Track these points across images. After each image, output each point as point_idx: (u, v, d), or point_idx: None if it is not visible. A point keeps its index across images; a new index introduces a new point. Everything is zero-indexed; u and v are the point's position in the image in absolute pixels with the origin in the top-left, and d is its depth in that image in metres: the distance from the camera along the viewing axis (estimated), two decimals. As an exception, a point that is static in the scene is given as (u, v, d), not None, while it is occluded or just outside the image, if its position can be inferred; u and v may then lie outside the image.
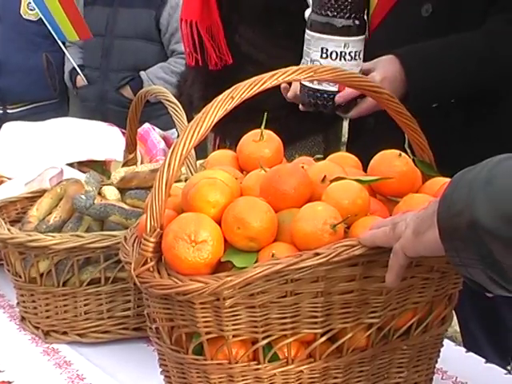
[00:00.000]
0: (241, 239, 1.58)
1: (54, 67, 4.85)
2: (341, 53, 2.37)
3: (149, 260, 1.55)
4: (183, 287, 1.51)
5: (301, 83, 2.50)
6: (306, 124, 3.02)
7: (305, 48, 2.44)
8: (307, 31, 2.43)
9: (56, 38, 4.62)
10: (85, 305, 2.05)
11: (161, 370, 1.73)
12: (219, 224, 1.60)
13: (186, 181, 1.81)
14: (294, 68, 1.64)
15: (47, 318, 2.08)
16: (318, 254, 1.53)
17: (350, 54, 2.38)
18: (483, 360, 2.05)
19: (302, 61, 2.52)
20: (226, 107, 1.54)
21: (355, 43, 2.41)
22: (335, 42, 2.38)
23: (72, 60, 4.63)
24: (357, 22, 2.39)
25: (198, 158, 1.97)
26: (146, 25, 4.53)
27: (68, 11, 4.58)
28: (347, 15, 2.37)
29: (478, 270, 1.28)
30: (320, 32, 2.40)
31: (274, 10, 3.04)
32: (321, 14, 2.39)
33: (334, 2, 2.35)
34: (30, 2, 4.78)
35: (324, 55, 2.38)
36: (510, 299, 1.47)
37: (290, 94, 2.59)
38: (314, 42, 2.41)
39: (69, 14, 4.61)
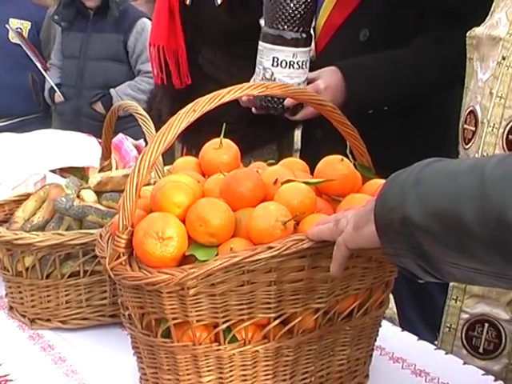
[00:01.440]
0: (203, 235, 1.57)
1: (39, 85, 4.86)
2: (290, 62, 2.38)
3: (121, 255, 1.54)
4: (152, 278, 1.51)
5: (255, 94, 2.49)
6: (262, 134, 3.03)
7: (258, 58, 2.44)
8: (260, 42, 2.44)
9: (34, 60, 4.65)
10: (66, 295, 2.03)
11: (133, 351, 1.71)
12: (183, 222, 1.58)
13: (154, 184, 1.80)
14: (249, 84, 1.65)
15: (32, 307, 2.06)
16: (270, 248, 1.52)
17: (297, 63, 2.39)
18: (416, 337, 2.07)
19: (256, 69, 2.52)
20: (189, 119, 1.54)
21: (303, 54, 2.42)
22: (285, 53, 2.39)
23: (50, 80, 4.66)
24: (304, 35, 2.41)
25: (166, 164, 1.96)
26: (115, 48, 4.56)
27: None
28: (296, 29, 2.39)
29: (409, 260, 1.29)
30: (272, 43, 2.41)
31: (232, 35, 3.03)
32: (273, 27, 2.40)
33: (284, 17, 2.36)
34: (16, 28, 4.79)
35: (275, 64, 2.39)
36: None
37: (244, 98, 2.57)
38: (267, 52, 2.42)
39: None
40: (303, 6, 2.36)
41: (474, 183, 1.15)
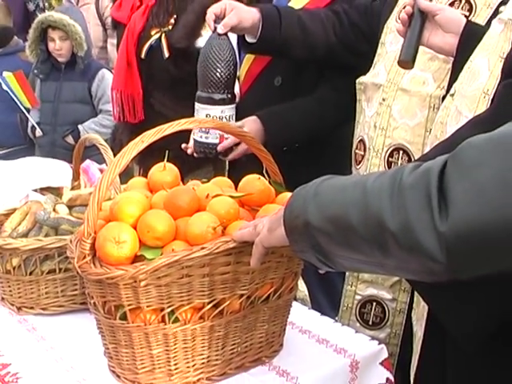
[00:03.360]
0: (150, 239, 1.56)
1: (25, 123, 4.82)
2: (219, 116, 2.37)
3: (86, 256, 1.53)
4: (111, 274, 1.50)
5: (194, 139, 2.49)
6: (200, 159, 3.02)
7: (195, 114, 2.43)
8: (195, 103, 2.42)
9: (19, 105, 4.62)
10: (45, 288, 2.00)
11: (98, 331, 1.70)
12: (135, 229, 1.57)
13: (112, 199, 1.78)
14: (185, 120, 1.64)
15: (19, 297, 2.02)
16: (203, 248, 1.52)
17: (225, 117, 2.38)
18: (319, 314, 2.05)
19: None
20: (138, 148, 1.54)
21: (229, 110, 2.41)
22: (215, 110, 2.38)
23: (31, 119, 4.63)
24: (229, 95, 2.39)
25: (124, 183, 1.94)
26: (82, 93, 4.53)
27: (24, 89, 4.61)
28: (222, 91, 2.37)
29: (310, 254, 1.28)
30: (204, 103, 2.39)
31: (177, 81, 3.02)
32: (204, 91, 2.39)
33: (212, 83, 2.36)
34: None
35: (208, 119, 2.37)
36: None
37: (189, 151, 2.58)
38: (201, 111, 2.40)
39: (25, 91, 4.63)
40: (227, 73, 2.35)
41: (358, 195, 1.15)
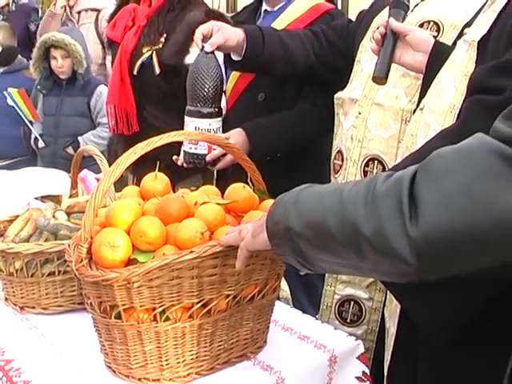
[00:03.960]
0: (142, 244, 1.55)
1: (28, 135, 4.81)
2: (207, 129, 2.35)
3: (83, 259, 1.53)
4: (106, 276, 1.50)
5: (184, 151, 2.48)
6: (190, 168, 3.00)
7: (184, 127, 2.41)
8: (185, 116, 2.41)
9: (24, 118, 4.61)
10: (45, 289, 1.98)
11: (95, 329, 1.68)
12: (129, 234, 1.57)
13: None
14: (175, 133, 1.63)
15: (22, 298, 2.00)
16: (192, 252, 1.52)
17: (213, 129, 2.37)
18: (301, 312, 2.05)
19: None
20: (131, 159, 1.54)
21: (216, 123, 2.39)
22: (203, 123, 2.36)
23: (34, 131, 4.62)
24: (216, 109, 2.38)
25: (118, 191, 1.93)
26: (81, 107, 4.53)
27: (27, 105, 4.60)
28: (210, 105, 2.35)
29: (291, 257, 1.28)
30: (193, 117, 2.38)
31: (168, 95, 3.00)
32: (193, 105, 2.37)
33: (201, 98, 2.34)
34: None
35: (196, 131, 2.36)
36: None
37: (179, 163, 2.57)
38: (190, 123, 2.39)
39: (27, 107, 4.62)
40: (214, 89, 2.33)
41: (335, 203, 1.16)
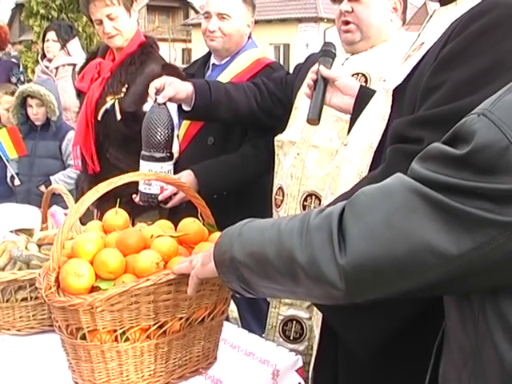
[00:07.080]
0: (104, 273, 1.56)
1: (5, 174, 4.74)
2: (160, 172, 2.33)
3: (52, 287, 1.53)
4: (72, 302, 1.50)
5: (139, 190, 2.47)
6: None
7: (140, 169, 2.40)
8: (140, 161, 2.41)
9: (2, 157, 4.52)
10: (19, 312, 1.97)
11: (63, 349, 1.67)
12: (92, 264, 1.57)
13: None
14: (133, 174, 1.66)
15: (-2, 321, 2.00)
16: (149, 280, 1.53)
17: (164, 172, 2.35)
18: (247, 331, 2.05)
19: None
20: (93, 197, 1.55)
21: (168, 166, 2.40)
22: (156, 166, 2.36)
23: (12, 170, 4.56)
24: (168, 154, 2.39)
25: (84, 223, 1.92)
26: (54, 150, 4.53)
27: (14, 141, 4.52)
28: (162, 151, 2.36)
29: (236, 284, 1.29)
30: (147, 161, 2.38)
31: (128, 138, 2.98)
32: (147, 151, 2.37)
33: (154, 144, 2.35)
34: None
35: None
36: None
37: (136, 200, 2.55)
38: (145, 166, 2.39)
39: (15, 142, 4.53)
40: (166, 136, 2.35)
41: (274, 235, 1.17)
